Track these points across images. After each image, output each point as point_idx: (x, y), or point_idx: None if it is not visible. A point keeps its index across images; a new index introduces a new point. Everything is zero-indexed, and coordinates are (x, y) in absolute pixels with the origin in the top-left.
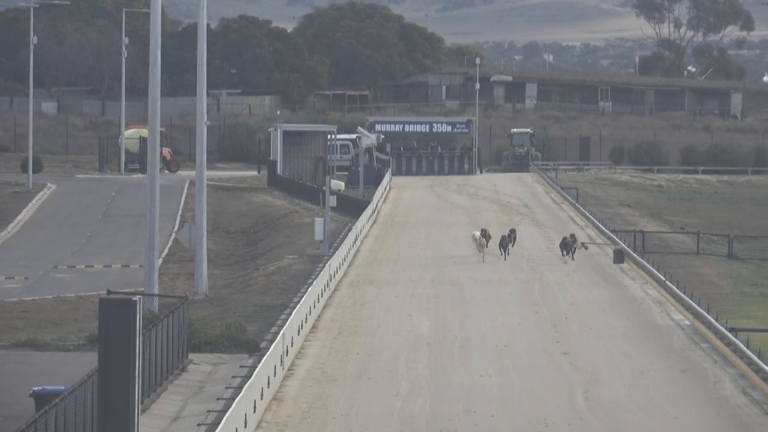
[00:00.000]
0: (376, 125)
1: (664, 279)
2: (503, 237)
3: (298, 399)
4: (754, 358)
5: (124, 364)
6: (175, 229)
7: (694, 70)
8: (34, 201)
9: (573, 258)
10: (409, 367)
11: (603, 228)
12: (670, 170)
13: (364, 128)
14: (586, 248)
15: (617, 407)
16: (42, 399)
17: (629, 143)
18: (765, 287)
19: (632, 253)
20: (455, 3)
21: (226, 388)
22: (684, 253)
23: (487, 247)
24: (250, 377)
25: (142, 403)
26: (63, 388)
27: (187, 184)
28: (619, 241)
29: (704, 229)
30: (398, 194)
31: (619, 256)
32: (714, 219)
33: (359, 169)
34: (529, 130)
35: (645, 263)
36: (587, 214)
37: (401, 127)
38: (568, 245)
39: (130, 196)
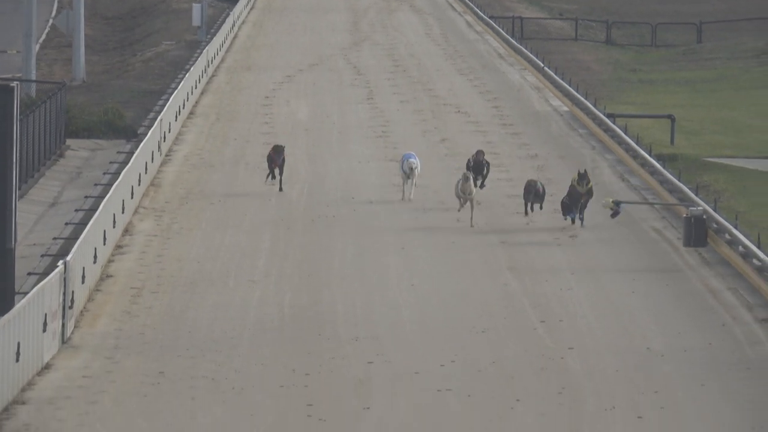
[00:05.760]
0: None
1: (542, 65)
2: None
3: (176, 185)
4: (632, 143)
5: (2, 150)
6: (53, 14)
7: None
8: None
9: (582, 222)
10: (287, 153)
11: (481, 14)
12: None
13: None
14: (618, 210)
15: (495, 185)
16: None
17: None
18: (643, 73)
19: (715, 214)
20: None
21: (104, 173)
22: (562, 40)
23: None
24: (127, 163)
25: (19, 189)
26: None
27: None
28: (696, 196)
29: (583, 15)
30: None
31: (699, 231)
32: (592, 5)
33: None
34: None
35: (522, 48)
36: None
37: None
38: (577, 199)
39: None
